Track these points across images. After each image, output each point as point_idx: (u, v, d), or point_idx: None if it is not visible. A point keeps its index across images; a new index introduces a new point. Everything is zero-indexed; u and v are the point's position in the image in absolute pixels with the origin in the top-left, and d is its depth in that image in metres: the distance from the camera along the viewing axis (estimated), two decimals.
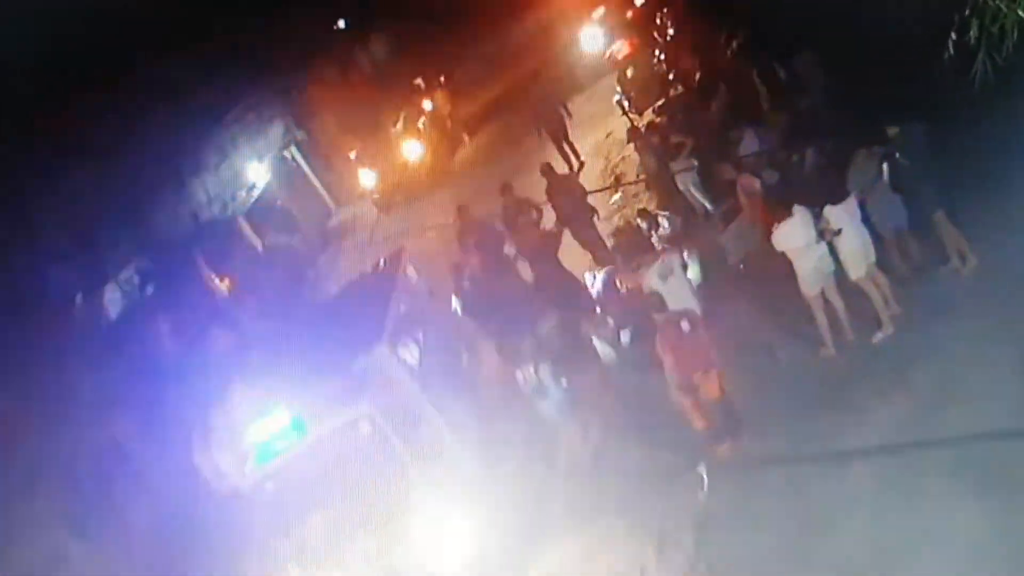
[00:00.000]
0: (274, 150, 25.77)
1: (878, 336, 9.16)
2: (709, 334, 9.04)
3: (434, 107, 26.33)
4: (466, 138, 26.49)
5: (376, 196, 24.25)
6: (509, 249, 13.12)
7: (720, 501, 8.46)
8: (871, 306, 9.22)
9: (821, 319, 9.32)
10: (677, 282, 9.84)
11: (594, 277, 11.77)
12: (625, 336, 10.40)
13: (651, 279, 9.81)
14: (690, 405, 8.94)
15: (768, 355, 9.67)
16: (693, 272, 10.84)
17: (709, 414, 8.97)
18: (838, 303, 9.29)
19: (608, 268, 11.99)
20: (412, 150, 24.29)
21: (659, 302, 9.15)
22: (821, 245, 9.17)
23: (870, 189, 9.30)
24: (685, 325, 8.86)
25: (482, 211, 14.24)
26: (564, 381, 10.56)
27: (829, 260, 9.23)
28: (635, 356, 10.33)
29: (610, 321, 10.93)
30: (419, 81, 27.41)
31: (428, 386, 10.01)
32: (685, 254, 10.93)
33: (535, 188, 14.26)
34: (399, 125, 25.17)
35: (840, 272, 9.26)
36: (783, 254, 9.26)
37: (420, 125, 25.26)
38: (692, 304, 9.63)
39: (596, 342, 11.04)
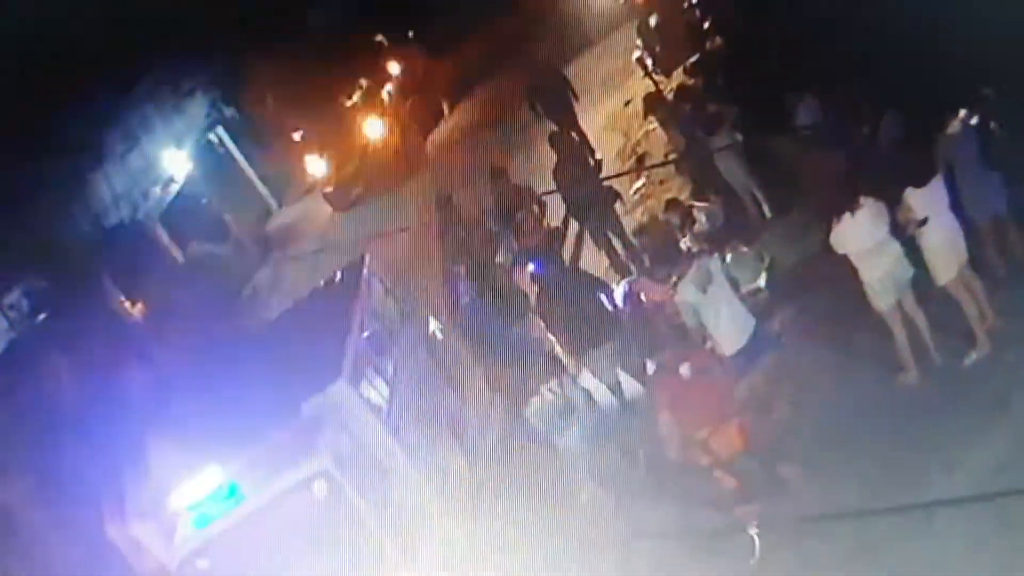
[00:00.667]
0: (197, 133, 26.02)
1: (972, 356, 9.42)
2: (725, 378, 9.36)
3: (402, 71, 26.52)
4: (445, 109, 26.70)
5: (329, 189, 24.50)
6: (504, 253, 13.48)
7: (775, 569, 8.69)
8: (962, 318, 9.49)
9: (900, 337, 9.59)
10: (719, 291, 10.07)
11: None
12: (651, 367, 10.72)
13: (686, 291, 10.09)
14: (709, 464, 9.26)
15: (834, 384, 9.92)
16: (741, 277, 11.18)
17: (737, 471, 9.26)
18: (920, 316, 9.56)
19: (630, 278, 12.30)
20: (375, 128, 24.46)
21: (681, 330, 9.41)
22: (894, 244, 9.46)
23: (960, 166, 9.60)
24: (685, 371, 9.16)
25: (468, 204, 14.58)
26: (580, 421, 10.83)
27: (906, 263, 9.51)
28: None
29: (633, 347, 11.21)
30: (381, 38, 27.65)
31: (401, 432, 10.22)
32: (728, 256, 11.31)
33: (536, 173, 14.59)
34: (357, 96, 25.45)
35: (922, 276, 9.53)
36: (846, 258, 9.58)
37: (385, 95, 25.50)
38: (741, 318, 9.93)
39: (620, 374, 11.31)
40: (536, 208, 14.10)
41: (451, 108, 26.82)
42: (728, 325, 9.82)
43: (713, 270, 10.19)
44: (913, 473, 8.64)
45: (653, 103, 15.28)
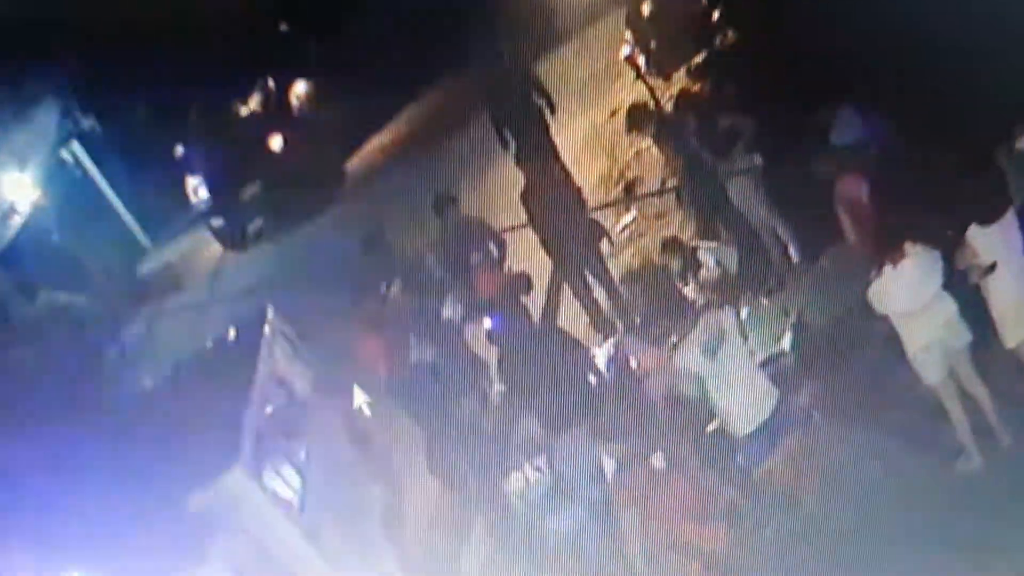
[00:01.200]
0: (45, 149, 26.00)
1: None
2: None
3: (315, 64, 26.74)
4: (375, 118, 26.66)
5: (220, 222, 24.68)
6: (453, 306, 13.72)
7: None
8: None
9: (956, 413, 9.94)
10: (732, 355, 10.37)
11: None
12: (659, 460, 11.02)
13: (690, 355, 10.38)
14: (697, 570, 9.52)
15: (875, 472, 10.21)
16: (760, 338, 11.49)
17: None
18: (979, 388, 9.92)
19: (616, 338, 12.55)
20: (279, 143, 24.64)
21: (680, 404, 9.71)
22: (947, 303, 9.80)
23: None
24: (658, 462, 9.43)
25: (405, 242, 14.78)
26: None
27: (961, 328, 9.87)
28: None
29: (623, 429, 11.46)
30: (284, 27, 27.87)
31: (318, 535, 10.37)
32: (745, 310, 11.58)
33: (495, 202, 14.75)
34: (256, 101, 25.61)
35: (982, 336, 9.88)
36: (886, 319, 9.94)
37: (294, 98, 25.68)
38: (760, 388, 10.22)
39: (606, 462, 11.52)
40: (494, 247, 14.34)
41: (383, 117, 27.01)
42: (743, 398, 10.12)
43: (726, 328, 10.48)
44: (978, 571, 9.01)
45: (643, 115, 15.11)
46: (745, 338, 10.85)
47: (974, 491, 9.77)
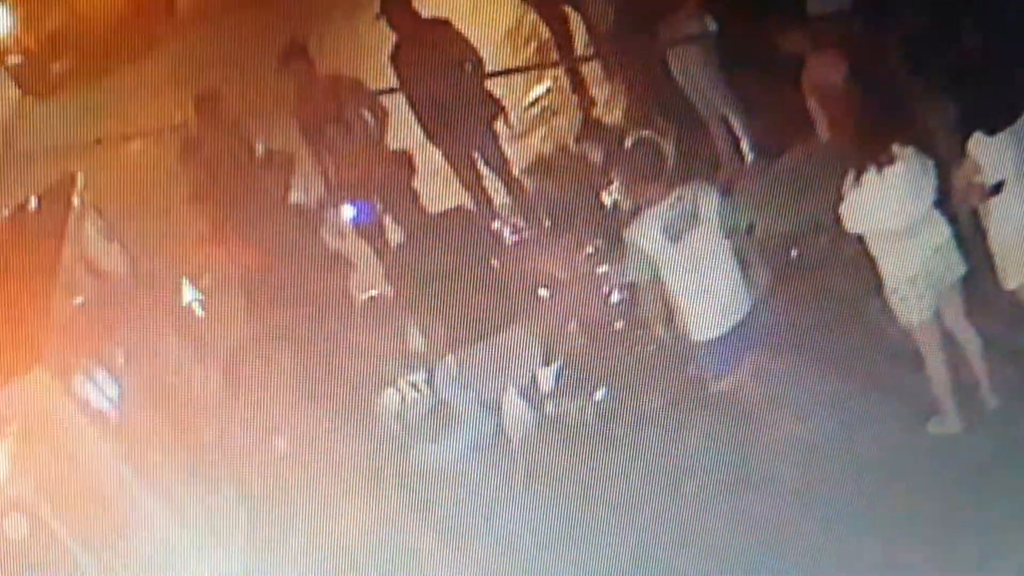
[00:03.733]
0: None
1: None
2: None
3: None
4: None
5: (17, 60, 24.40)
6: (308, 188, 13.61)
7: None
8: None
9: (935, 365, 9.84)
10: (704, 239, 9.96)
11: None
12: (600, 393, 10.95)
13: (647, 231, 9.96)
14: None
15: (841, 430, 10.18)
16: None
17: None
18: (970, 336, 9.83)
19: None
20: None
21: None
22: (940, 225, 9.60)
23: None
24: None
25: (245, 104, 14.59)
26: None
27: (956, 256, 9.69)
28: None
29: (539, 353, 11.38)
30: None
31: (135, 451, 10.45)
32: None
33: (362, 56, 14.45)
34: None
35: (979, 274, 9.80)
36: (861, 239, 9.78)
37: None
38: (732, 291, 10.02)
39: (514, 403, 11.44)
40: (367, 114, 13.99)
41: None
42: (708, 297, 9.95)
43: (701, 208, 10.03)
44: (957, 562, 8.96)
45: None
46: (725, 226, 10.25)
47: (950, 457, 9.73)
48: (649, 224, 9.88)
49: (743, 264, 10.12)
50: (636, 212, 10.32)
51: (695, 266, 9.85)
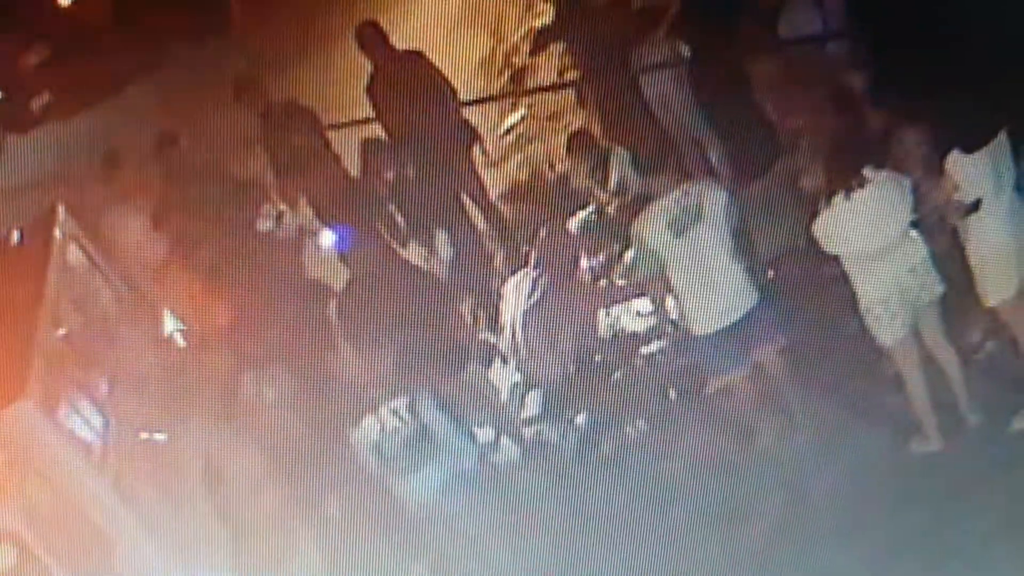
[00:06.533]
0: None
1: None
2: None
3: None
4: None
5: None
6: (266, 218, 13.73)
7: None
8: (1016, 359, 9.87)
9: (914, 382, 9.87)
10: (708, 236, 10.08)
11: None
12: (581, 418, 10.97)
13: (652, 225, 10.12)
14: None
15: (815, 446, 10.26)
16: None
17: None
18: (948, 354, 9.85)
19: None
20: None
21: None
22: (915, 245, 9.66)
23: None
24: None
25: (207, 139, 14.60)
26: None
27: (932, 276, 9.73)
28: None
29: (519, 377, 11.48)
30: None
31: (123, 483, 10.43)
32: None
33: (339, 86, 14.45)
34: None
35: (957, 291, 9.80)
36: (837, 260, 9.82)
37: None
38: (736, 285, 10.10)
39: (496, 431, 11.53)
40: (318, 140, 14.17)
41: None
42: (710, 291, 10.03)
43: (706, 206, 10.13)
44: None
45: None
46: (730, 225, 10.35)
47: (929, 475, 9.77)
48: (655, 219, 10.07)
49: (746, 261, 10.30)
50: (642, 206, 10.54)
51: (698, 261, 9.99)
